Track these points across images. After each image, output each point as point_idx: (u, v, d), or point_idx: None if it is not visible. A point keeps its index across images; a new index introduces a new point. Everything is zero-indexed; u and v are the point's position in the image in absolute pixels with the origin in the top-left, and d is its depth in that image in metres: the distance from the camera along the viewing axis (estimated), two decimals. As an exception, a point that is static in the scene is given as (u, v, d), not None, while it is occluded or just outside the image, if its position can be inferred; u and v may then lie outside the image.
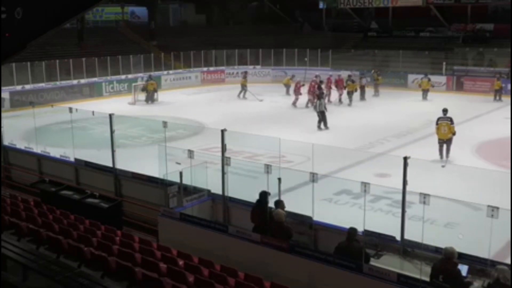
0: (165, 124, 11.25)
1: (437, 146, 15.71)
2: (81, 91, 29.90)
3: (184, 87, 33.68)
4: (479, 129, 20.13)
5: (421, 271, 7.53)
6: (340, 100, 26.68)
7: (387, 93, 29.46)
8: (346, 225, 8.20)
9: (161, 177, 10.71)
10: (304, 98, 25.70)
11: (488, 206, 7.00)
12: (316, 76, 26.70)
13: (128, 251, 7.84)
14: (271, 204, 9.13)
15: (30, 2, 6.57)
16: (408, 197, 8.28)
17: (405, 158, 8.13)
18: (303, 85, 26.50)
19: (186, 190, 10.35)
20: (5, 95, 24.60)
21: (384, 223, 9.76)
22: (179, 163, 10.21)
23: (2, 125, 14.50)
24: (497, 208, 6.94)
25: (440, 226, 10.39)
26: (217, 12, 48.53)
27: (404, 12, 39.17)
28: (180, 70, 35.11)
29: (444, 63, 32.26)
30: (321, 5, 43.85)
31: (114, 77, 31.44)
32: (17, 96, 26.65)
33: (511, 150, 14.05)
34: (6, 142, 15.66)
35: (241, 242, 8.60)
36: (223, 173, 10.13)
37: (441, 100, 24.41)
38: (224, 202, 10.41)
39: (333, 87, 27.41)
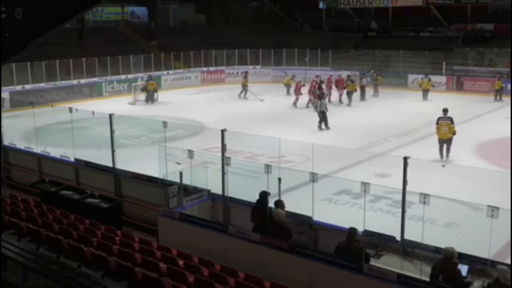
0: (165, 124, 11.25)
1: (437, 146, 15.72)
2: (81, 91, 29.90)
3: (184, 87, 33.68)
4: (479, 129, 20.13)
5: (421, 271, 7.53)
6: (340, 100, 26.68)
7: (387, 93, 29.47)
8: (346, 225, 8.20)
9: (161, 177, 10.71)
10: (304, 98, 25.71)
11: (488, 206, 6.99)
12: (316, 76, 26.72)
13: (128, 251, 7.84)
14: (271, 204, 9.13)
15: (30, 2, 6.56)
16: (408, 197, 8.28)
17: (405, 158, 8.13)
18: (304, 85, 26.48)
19: (186, 190, 10.35)
20: (5, 95, 24.60)
21: (384, 223, 9.76)
22: (179, 163, 10.21)
23: (2, 125, 14.50)
24: (497, 208, 6.94)
25: (440, 226, 10.39)
26: (217, 12, 48.54)
27: (404, 12, 39.17)
28: (180, 70, 35.12)
29: (444, 63, 32.27)
30: (321, 5, 43.85)
31: (114, 77, 31.44)
32: (17, 96, 26.65)
33: (511, 150, 14.05)
34: (6, 142, 15.66)
35: (241, 242, 8.59)
36: (223, 173, 10.13)
37: (441, 100, 24.39)
38: (224, 202, 10.41)
39: (333, 87, 27.44)
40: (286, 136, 12.25)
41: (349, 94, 26.41)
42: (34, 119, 15.44)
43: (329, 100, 25.25)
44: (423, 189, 7.65)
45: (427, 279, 7.09)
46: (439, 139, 15.73)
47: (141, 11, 45.25)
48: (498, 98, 27.45)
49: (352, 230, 7.97)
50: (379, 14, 42.39)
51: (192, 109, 25.70)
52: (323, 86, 24.51)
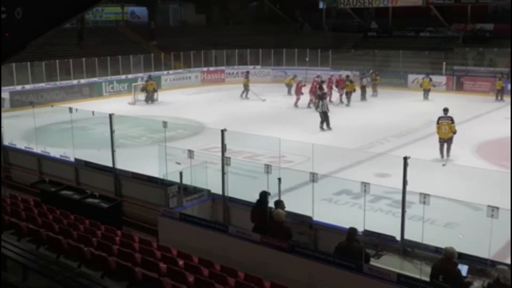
0: (165, 124, 11.25)
1: (437, 146, 15.74)
2: (81, 91, 29.90)
3: (184, 87, 33.68)
4: (479, 129, 20.13)
5: (421, 271, 7.53)
6: (341, 100, 26.68)
7: (387, 93, 29.47)
8: (346, 225, 8.20)
9: (161, 177, 10.70)
10: (305, 98, 25.70)
11: (488, 206, 6.99)
12: (317, 76, 26.72)
13: (128, 251, 7.84)
14: (271, 204, 9.13)
15: (30, 2, 6.57)
16: (408, 197, 8.28)
17: (405, 158, 8.13)
18: (304, 85, 26.48)
19: (186, 190, 10.34)
20: (5, 95, 24.60)
21: (384, 223, 9.76)
22: (179, 163, 10.20)
23: (2, 125, 14.50)
24: (497, 208, 6.94)
25: (440, 226, 10.38)
26: (217, 12, 48.53)
27: (404, 12, 39.17)
28: (180, 70, 35.11)
29: (444, 63, 32.27)
30: (321, 5, 43.85)
31: (114, 77, 31.44)
32: (17, 96, 26.65)
33: (511, 150, 14.05)
34: (6, 142, 15.66)
35: (241, 242, 8.59)
36: (223, 173, 10.13)
37: (441, 100, 24.40)
38: (224, 202, 10.41)
39: (334, 87, 27.43)
40: (286, 136, 12.24)
41: (348, 94, 26.40)
42: (34, 119, 15.44)
43: (330, 100, 25.25)
44: (423, 189, 7.65)
45: (427, 279, 7.09)
46: (440, 138, 15.75)
47: (141, 11, 45.25)
48: (499, 98, 27.46)
49: (352, 230, 7.97)
50: (379, 14, 42.39)
51: (192, 109, 25.70)
52: (324, 86, 24.53)
